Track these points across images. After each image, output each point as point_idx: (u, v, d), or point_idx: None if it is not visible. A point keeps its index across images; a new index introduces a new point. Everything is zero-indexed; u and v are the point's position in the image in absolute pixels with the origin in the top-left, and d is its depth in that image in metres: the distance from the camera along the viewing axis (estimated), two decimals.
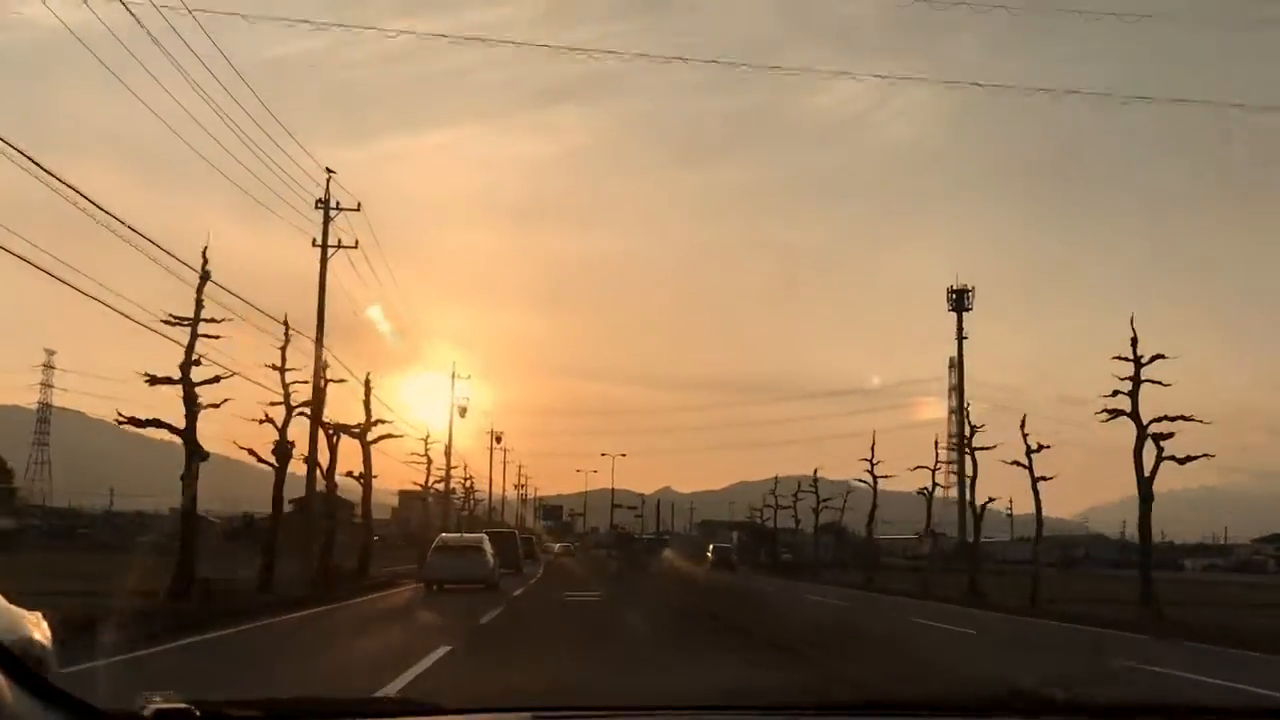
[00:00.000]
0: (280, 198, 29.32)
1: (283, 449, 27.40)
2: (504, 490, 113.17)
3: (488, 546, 33.63)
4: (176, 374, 21.61)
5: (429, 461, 42.21)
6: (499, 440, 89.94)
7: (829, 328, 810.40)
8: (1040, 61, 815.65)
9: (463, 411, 56.89)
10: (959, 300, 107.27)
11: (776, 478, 72.13)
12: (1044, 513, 33.38)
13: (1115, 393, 27.43)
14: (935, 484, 56.51)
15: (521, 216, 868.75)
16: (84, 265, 17.65)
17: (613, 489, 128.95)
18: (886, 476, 50.07)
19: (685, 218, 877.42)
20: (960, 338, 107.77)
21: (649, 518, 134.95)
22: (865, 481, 50.16)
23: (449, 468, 55.29)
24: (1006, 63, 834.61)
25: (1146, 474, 26.48)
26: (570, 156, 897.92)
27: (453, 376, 55.31)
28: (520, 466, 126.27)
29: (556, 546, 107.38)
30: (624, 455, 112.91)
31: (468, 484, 68.88)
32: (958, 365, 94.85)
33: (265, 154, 26.19)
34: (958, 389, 76.81)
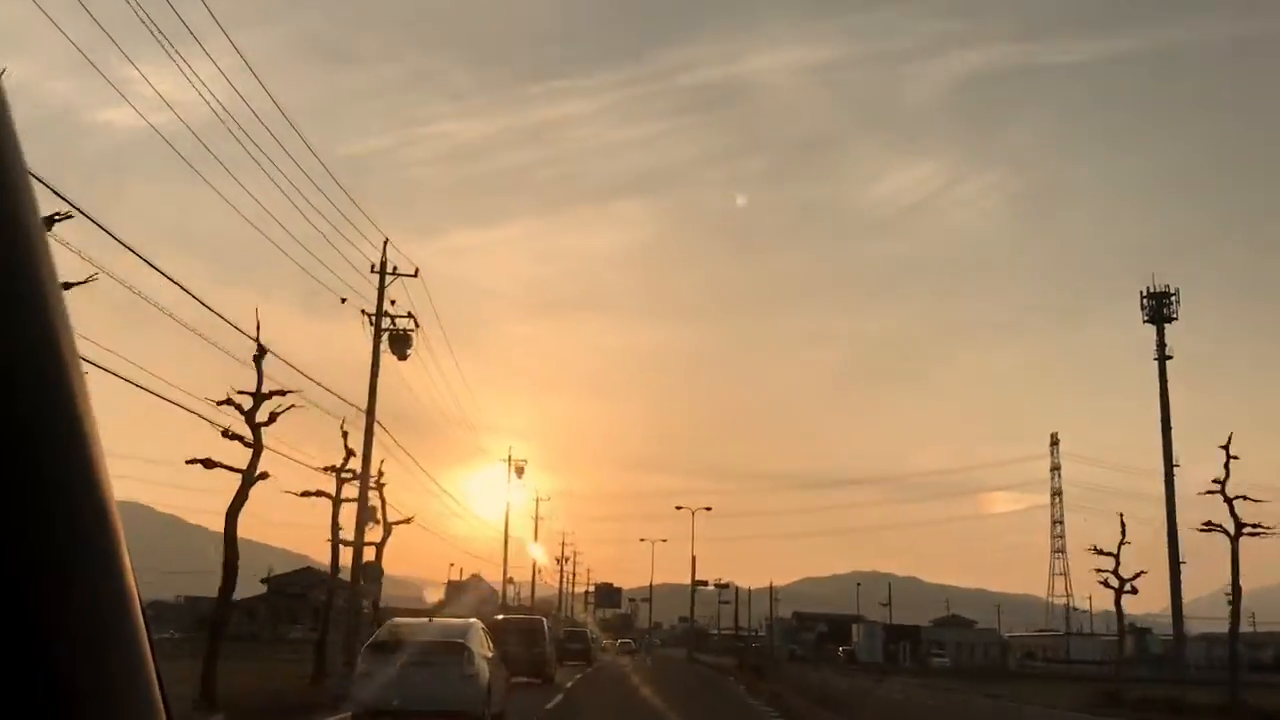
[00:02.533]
0: (348, 294, 28.29)
1: None
2: (534, 573, 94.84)
3: (478, 646, 17.88)
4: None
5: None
6: (520, 471, 63.59)
7: (896, 418, 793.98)
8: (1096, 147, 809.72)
9: (519, 471, 45.89)
10: (1157, 308, 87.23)
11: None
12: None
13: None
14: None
15: (582, 308, 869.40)
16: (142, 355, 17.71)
17: (693, 556, 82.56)
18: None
19: (747, 309, 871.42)
20: (1163, 357, 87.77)
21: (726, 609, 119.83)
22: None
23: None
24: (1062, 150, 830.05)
25: None
26: (632, 249, 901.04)
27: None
28: (564, 535, 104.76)
29: (618, 644, 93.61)
30: (708, 509, 75.88)
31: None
32: (1161, 398, 76.97)
33: (335, 249, 24.62)
34: (1165, 447, 62.13)
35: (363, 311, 29.08)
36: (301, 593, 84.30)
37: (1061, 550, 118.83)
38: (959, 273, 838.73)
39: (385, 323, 29.09)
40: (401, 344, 29.25)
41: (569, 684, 33.06)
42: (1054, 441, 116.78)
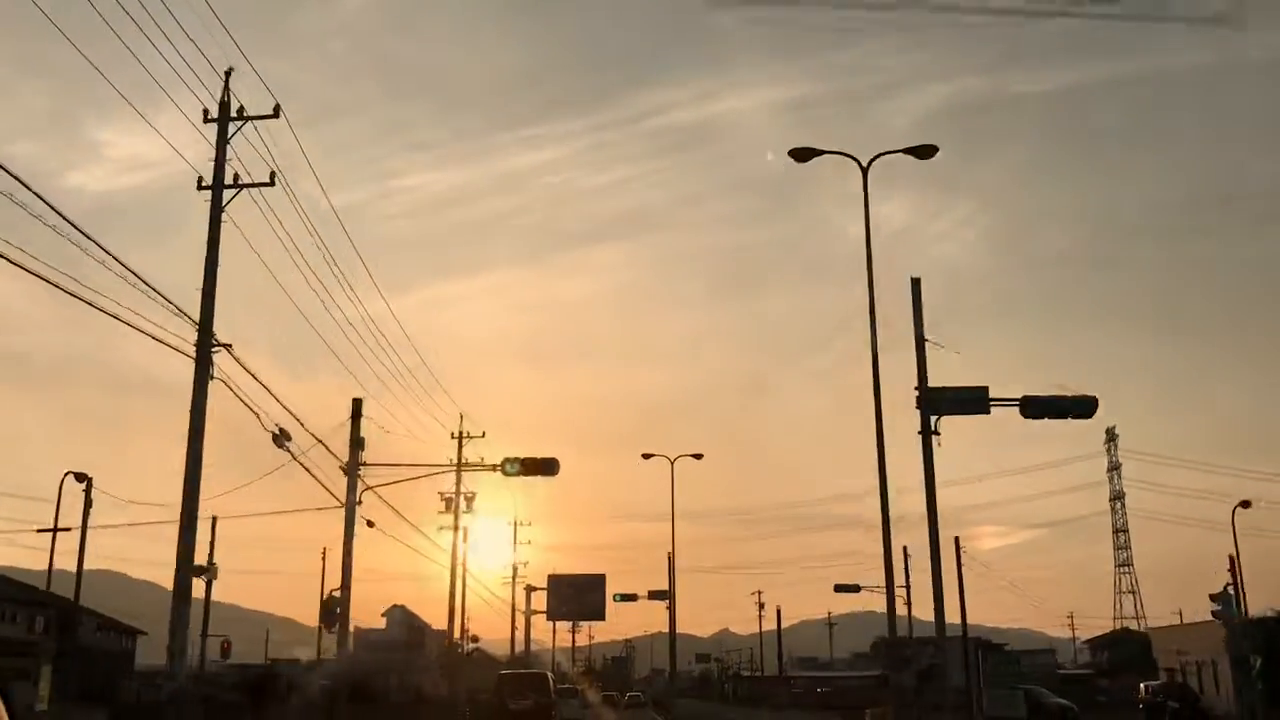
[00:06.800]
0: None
1: None
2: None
3: None
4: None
5: None
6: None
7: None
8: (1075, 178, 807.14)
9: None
10: None
11: None
12: None
13: None
14: None
15: (565, 356, 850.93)
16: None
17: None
18: None
19: (731, 350, 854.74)
20: None
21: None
22: None
23: None
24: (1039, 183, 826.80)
25: None
26: (612, 294, 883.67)
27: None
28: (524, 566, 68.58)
29: (625, 698, 73.26)
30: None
31: None
32: None
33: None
34: None
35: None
36: None
37: (1127, 564, 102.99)
38: (938, 305, 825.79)
39: None
40: None
41: None
42: (1110, 438, 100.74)
